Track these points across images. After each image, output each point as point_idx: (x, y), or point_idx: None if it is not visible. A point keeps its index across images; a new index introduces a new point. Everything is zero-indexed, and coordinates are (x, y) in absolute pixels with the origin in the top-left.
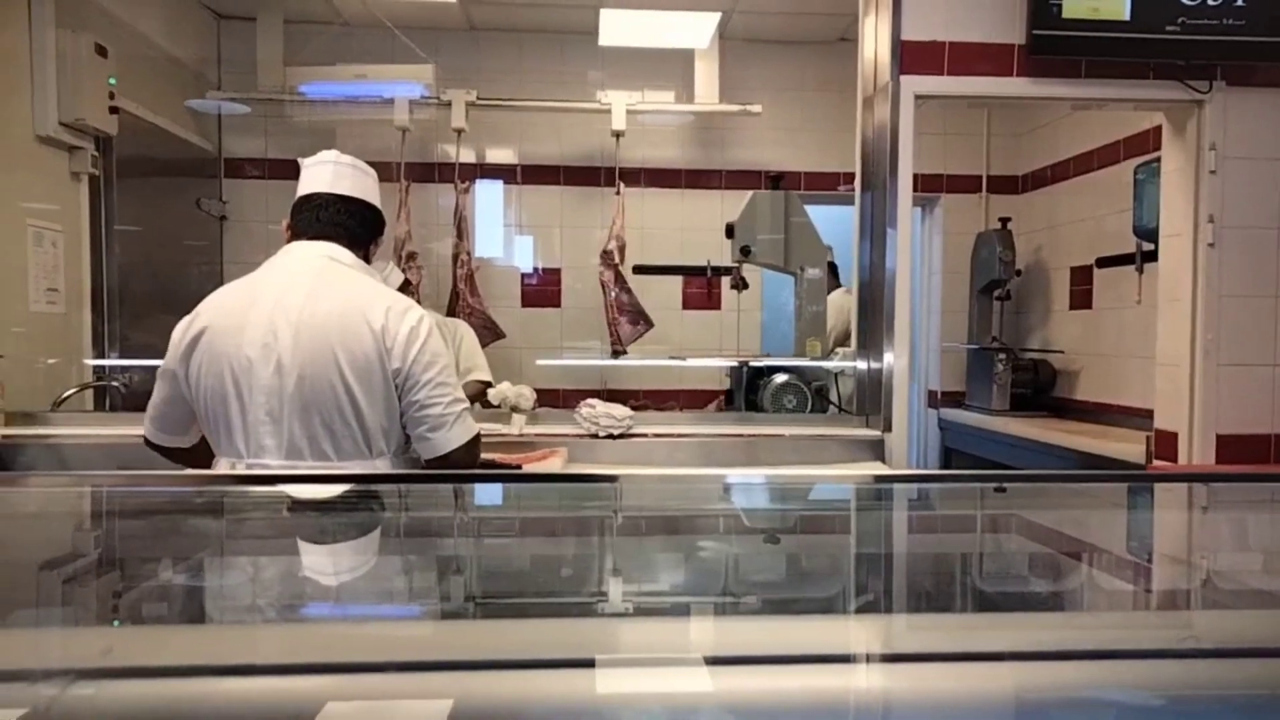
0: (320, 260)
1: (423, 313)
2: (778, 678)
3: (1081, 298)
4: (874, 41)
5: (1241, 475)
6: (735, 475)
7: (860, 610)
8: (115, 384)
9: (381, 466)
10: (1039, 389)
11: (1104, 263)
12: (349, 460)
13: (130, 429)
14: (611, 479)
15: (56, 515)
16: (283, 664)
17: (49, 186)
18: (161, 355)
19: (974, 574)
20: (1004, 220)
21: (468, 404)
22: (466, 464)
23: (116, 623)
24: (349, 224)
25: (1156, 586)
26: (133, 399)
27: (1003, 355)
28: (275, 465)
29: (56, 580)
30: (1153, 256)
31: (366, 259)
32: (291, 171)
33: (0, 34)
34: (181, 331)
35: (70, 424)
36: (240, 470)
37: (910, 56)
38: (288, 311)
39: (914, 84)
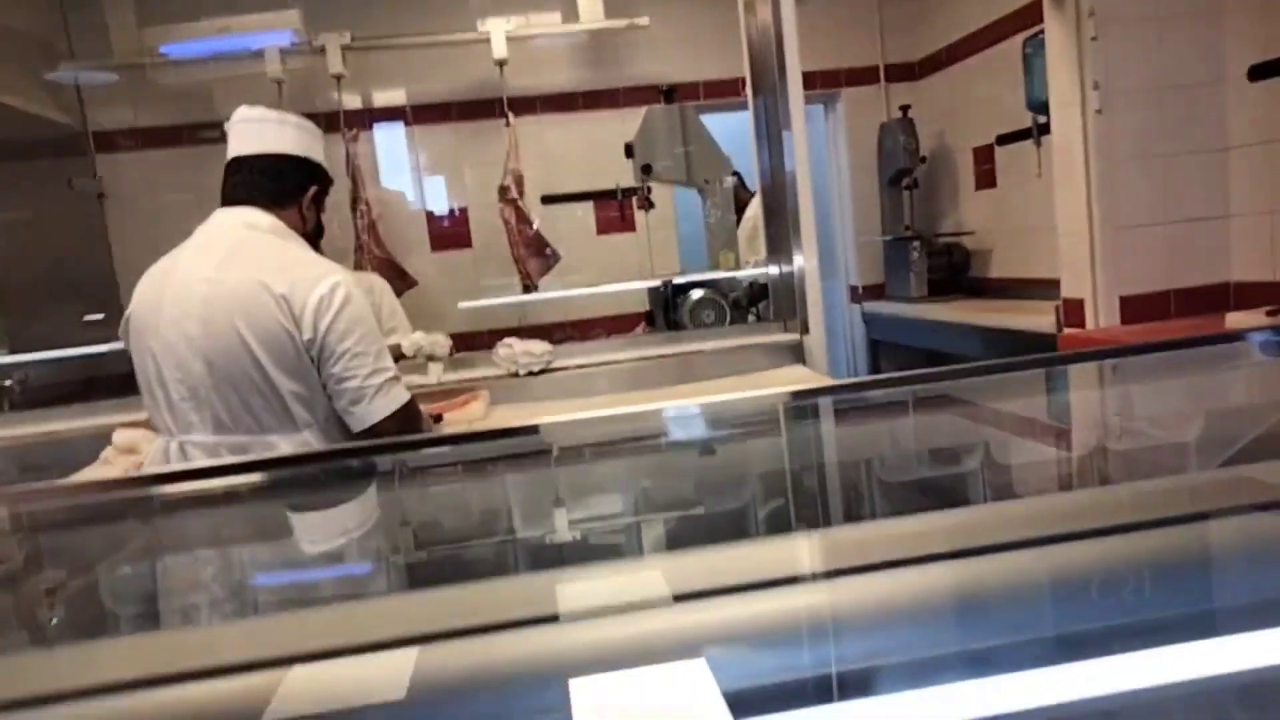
0: (238, 229)
1: (337, 280)
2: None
3: (986, 177)
4: None
5: (1153, 345)
6: (653, 408)
7: (802, 527)
8: (8, 383)
9: (310, 437)
10: (955, 272)
11: (1003, 140)
12: (273, 434)
13: (32, 427)
14: (534, 430)
15: None
16: (241, 662)
17: None
18: (58, 345)
19: (911, 471)
20: (904, 109)
21: (393, 373)
22: (397, 435)
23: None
24: (262, 182)
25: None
26: (31, 395)
27: (916, 243)
28: (204, 440)
29: None
30: (1049, 129)
31: (303, 215)
32: (167, 139)
33: None
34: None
35: None
36: (174, 445)
37: None
38: (197, 286)
39: None
